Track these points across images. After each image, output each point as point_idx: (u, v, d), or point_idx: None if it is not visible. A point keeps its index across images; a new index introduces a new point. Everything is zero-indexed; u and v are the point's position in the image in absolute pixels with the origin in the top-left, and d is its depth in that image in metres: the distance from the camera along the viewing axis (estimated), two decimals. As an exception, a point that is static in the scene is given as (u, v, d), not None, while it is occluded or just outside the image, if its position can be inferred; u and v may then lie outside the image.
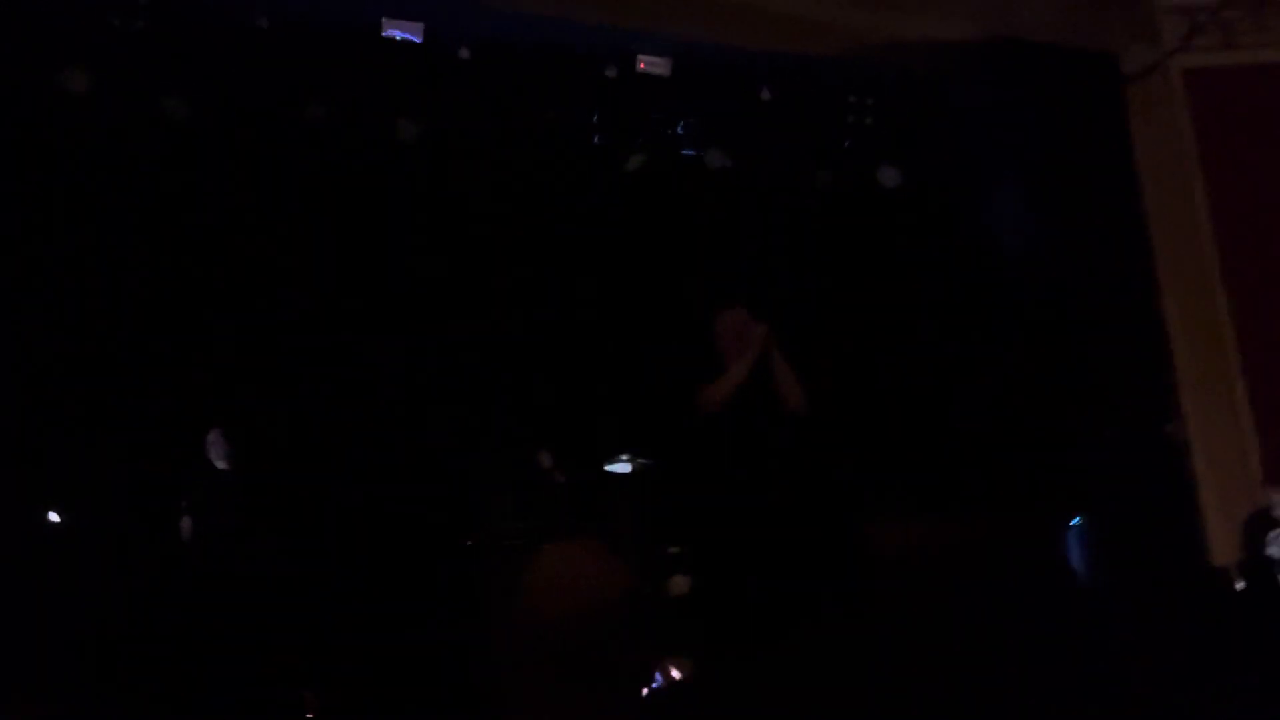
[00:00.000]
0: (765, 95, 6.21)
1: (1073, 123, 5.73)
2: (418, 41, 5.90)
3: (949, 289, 5.89)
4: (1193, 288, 6.03)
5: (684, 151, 6.30)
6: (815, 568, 4.13)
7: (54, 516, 4.62)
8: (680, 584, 4.36)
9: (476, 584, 4.85)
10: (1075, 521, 5.99)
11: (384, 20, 5.88)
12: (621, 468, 5.38)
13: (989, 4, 5.90)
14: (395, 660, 4.49)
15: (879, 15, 5.96)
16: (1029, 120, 5.90)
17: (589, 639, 1.64)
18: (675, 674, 1.89)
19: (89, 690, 3.83)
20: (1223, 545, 5.39)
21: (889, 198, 6.22)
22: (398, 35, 5.89)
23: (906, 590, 1.64)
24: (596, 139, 6.20)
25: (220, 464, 4.59)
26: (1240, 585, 4.19)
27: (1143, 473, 5.71)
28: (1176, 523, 5.72)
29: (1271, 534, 5.03)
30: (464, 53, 5.94)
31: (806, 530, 4.04)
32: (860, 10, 5.93)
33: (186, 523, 4.46)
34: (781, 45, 6.00)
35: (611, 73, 6.08)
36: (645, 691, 1.76)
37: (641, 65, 6.18)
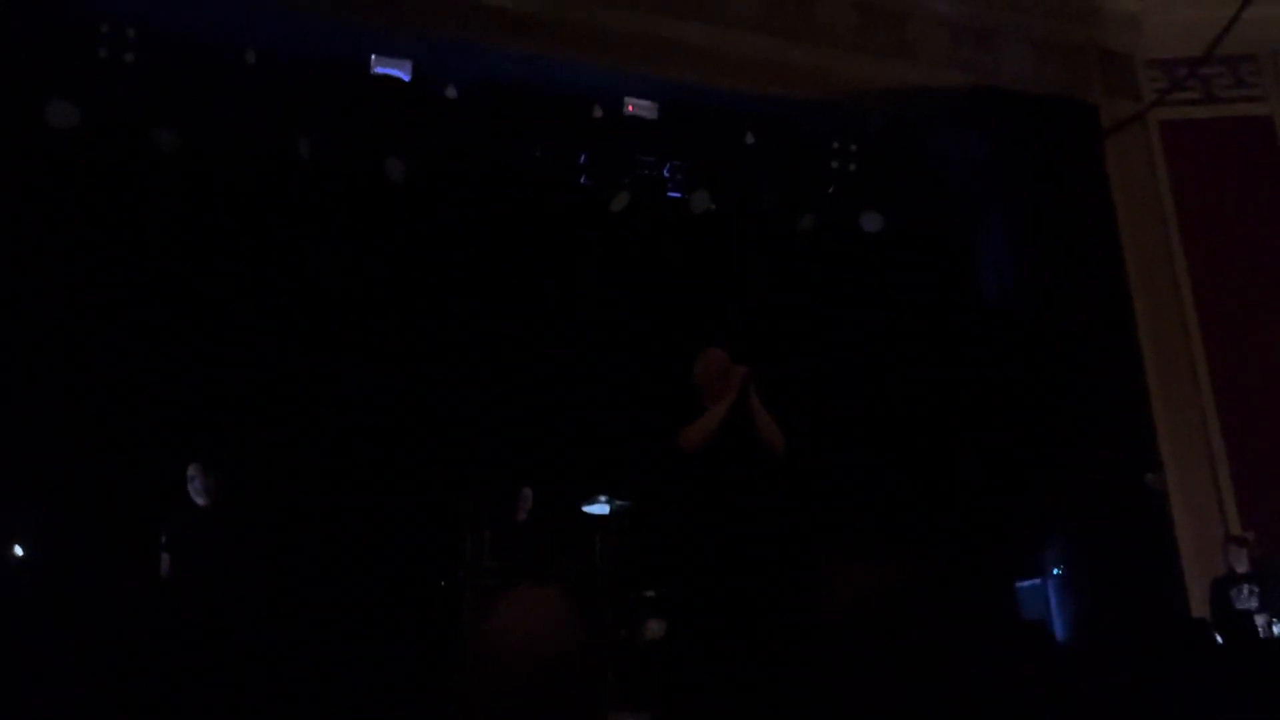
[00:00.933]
0: (750, 140, 6.28)
1: (1053, 171, 5.82)
2: (406, 79, 5.95)
3: (929, 333, 5.92)
4: (1169, 334, 6.10)
5: (670, 194, 6.34)
6: (790, 612, 4.11)
7: (19, 551, 4.56)
8: (655, 628, 4.32)
9: (450, 624, 4.81)
10: (1056, 570, 6.00)
11: (373, 57, 5.95)
12: (599, 509, 5.35)
13: (972, 54, 6.02)
14: (370, 696, 4.44)
15: (863, 63, 6.06)
16: (1010, 168, 5.98)
17: (539, 683, 1.63)
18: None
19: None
20: (1202, 595, 5.41)
21: (871, 242, 6.28)
22: (386, 73, 5.95)
23: (869, 635, 1.63)
24: (583, 179, 6.24)
25: (199, 500, 4.55)
26: (1218, 638, 4.20)
27: (1124, 521, 5.72)
28: (1157, 572, 5.73)
29: (1236, 589, 5.05)
30: (451, 91, 5.99)
31: (784, 574, 4.03)
32: (844, 58, 6.02)
33: (166, 559, 4.41)
34: (767, 90, 6.08)
35: (599, 114, 6.15)
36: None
37: (629, 108, 6.25)
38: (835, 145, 6.32)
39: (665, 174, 6.32)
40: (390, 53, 5.89)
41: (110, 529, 4.65)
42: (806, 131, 6.35)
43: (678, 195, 6.33)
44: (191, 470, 4.52)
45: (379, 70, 5.90)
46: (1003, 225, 6.00)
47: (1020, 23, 6.10)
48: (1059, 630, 5.64)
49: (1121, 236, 6.13)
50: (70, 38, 5.33)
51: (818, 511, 4.93)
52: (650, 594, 4.67)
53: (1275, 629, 4.95)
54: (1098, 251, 6.00)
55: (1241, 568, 5.21)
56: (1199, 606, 5.44)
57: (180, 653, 4.05)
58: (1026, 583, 5.85)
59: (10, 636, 4.23)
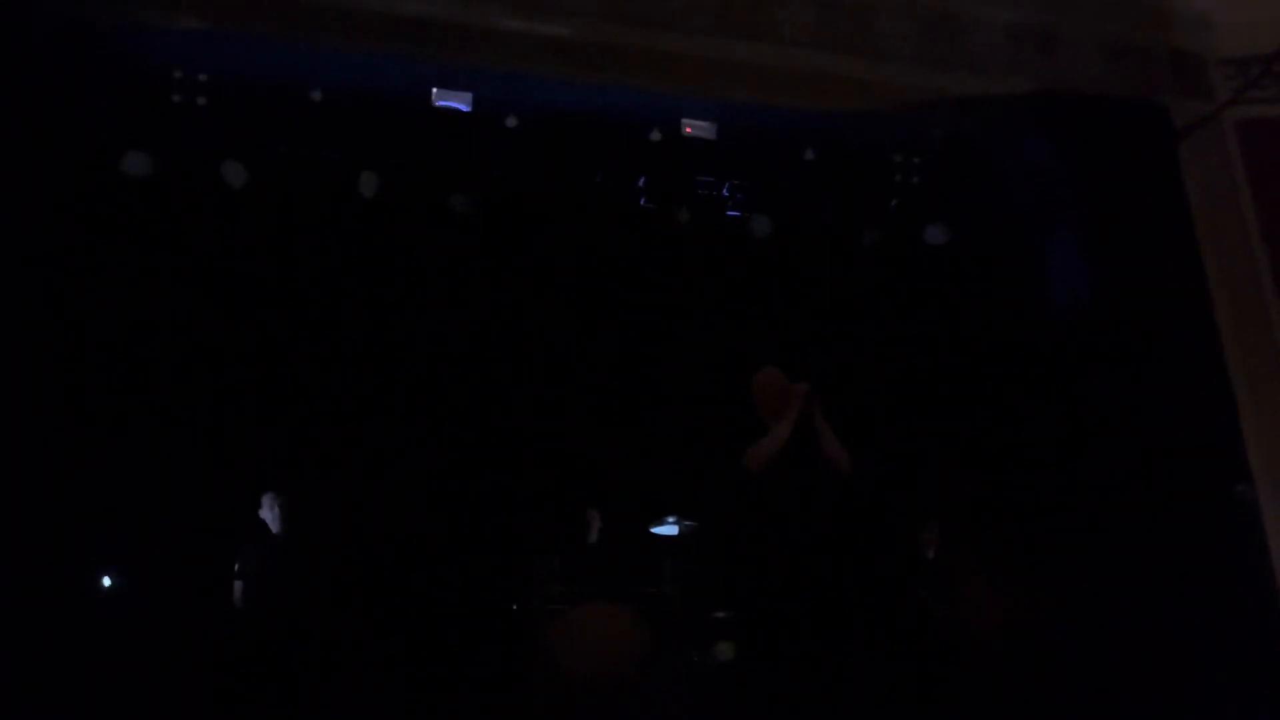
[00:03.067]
0: (810, 155, 6.23)
1: (1124, 177, 5.62)
2: (466, 110, 6.05)
3: (999, 350, 5.78)
4: (1254, 339, 5.85)
5: (729, 213, 6.33)
6: (865, 633, 4.03)
7: (107, 581, 4.70)
8: (725, 649, 4.28)
9: (521, 647, 4.82)
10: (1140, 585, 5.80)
11: (434, 91, 6.06)
12: (668, 530, 5.33)
13: (1036, 60, 5.86)
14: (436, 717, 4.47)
15: (923, 74, 5.96)
16: (1079, 175, 5.81)
17: (610, 706, 1.61)
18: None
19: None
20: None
21: (936, 257, 6.18)
22: (448, 105, 6.06)
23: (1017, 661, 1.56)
24: (643, 201, 6.27)
25: (273, 527, 4.65)
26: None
27: (1214, 534, 5.51)
28: (1250, 584, 5.50)
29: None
30: (512, 121, 6.07)
31: (854, 595, 3.96)
32: (903, 70, 5.94)
33: (238, 586, 4.51)
34: (825, 106, 6.03)
35: (657, 137, 6.17)
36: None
37: (687, 129, 6.26)
38: (897, 159, 6.24)
39: (724, 193, 6.31)
40: (451, 85, 6.00)
41: (186, 558, 4.78)
42: (867, 146, 6.29)
43: (737, 214, 6.32)
44: (265, 499, 4.63)
45: (441, 103, 6.01)
46: (1073, 234, 5.81)
47: (1085, 26, 5.94)
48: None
49: (1199, 241, 5.92)
50: (145, 85, 5.53)
51: (893, 532, 4.86)
52: (720, 615, 4.63)
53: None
54: (1175, 258, 5.79)
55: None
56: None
57: (253, 680, 4.13)
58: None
59: (101, 664, 4.36)
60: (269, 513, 4.68)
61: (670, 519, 5.42)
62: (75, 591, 4.58)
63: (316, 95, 5.78)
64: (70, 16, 4.99)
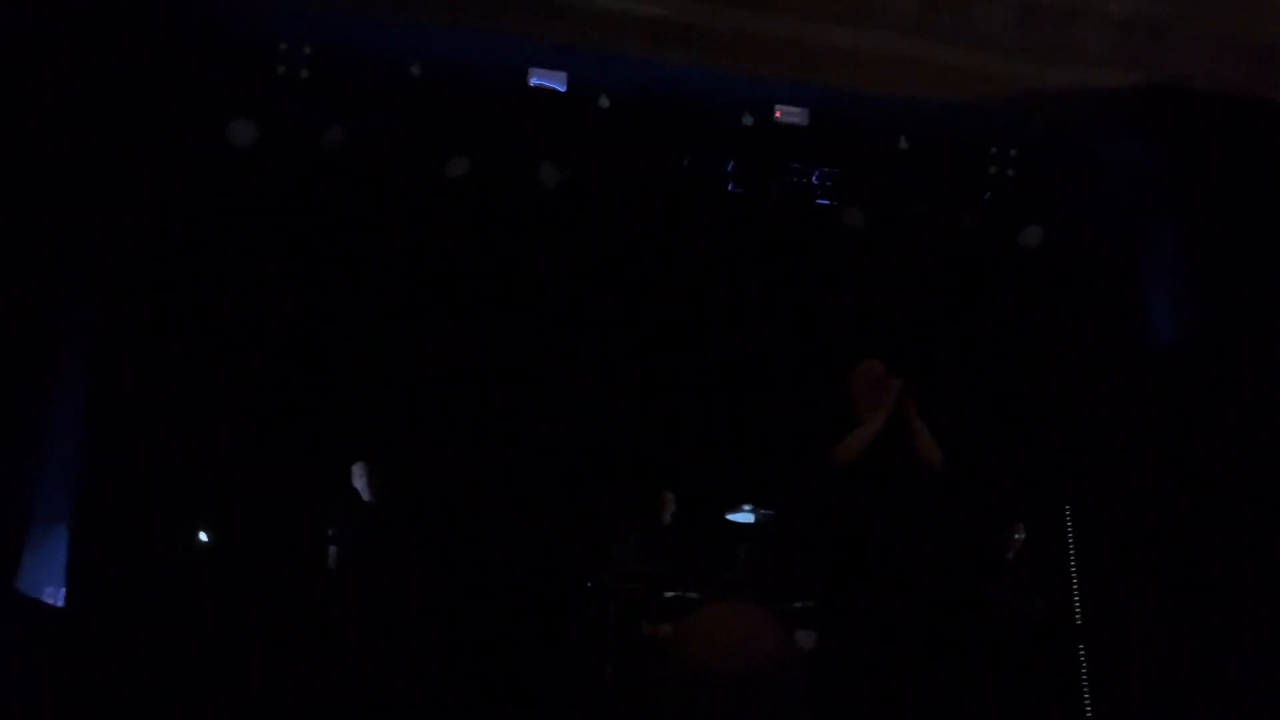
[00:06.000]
0: (904, 145, 6.14)
1: (1234, 183, 5.40)
2: (561, 90, 6.07)
3: (1095, 351, 5.66)
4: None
5: (819, 201, 6.27)
6: (947, 633, 4.02)
7: (203, 537, 4.86)
8: (803, 639, 4.29)
9: (594, 625, 4.89)
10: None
11: (530, 69, 6.09)
12: (744, 517, 5.35)
13: (1144, 53, 5.67)
14: (514, 690, 4.56)
15: (1024, 64, 5.83)
16: (1184, 178, 5.61)
17: (741, 705, 1.63)
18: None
19: (237, 712, 4.00)
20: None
21: (1030, 253, 6.05)
22: (542, 83, 6.08)
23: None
24: (731, 186, 6.24)
25: (365, 496, 4.78)
26: None
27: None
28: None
29: None
30: (604, 101, 6.07)
31: (938, 595, 3.94)
32: (1004, 59, 5.81)
33: (333, 551, 4.65)
34: (922, 95, 5.93)
35: (748, 121, 6.13)
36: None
37: (779, 114, 6.20)
38: (993, 151, 6.12)
39: (815, 181, 6.25)
40: (546, 64, 6.02)
41: (281, 522, 4.91)
42: (963, 137, 6.17)
43: (827, 203, 6.26)
44: (356, 468, 4.75)
45: (535, 81, 6.03)
46: (1174, 240, 5.62)
47: (1199, 17, 5.73)
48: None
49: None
50: (250, 57, 5.64)
51: (983, 532, 4.80)
52: (798, 605, 4.64)
53: None
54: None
55: None
56: None
57: (343, 645, 4.24)
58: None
59: (192, 621, 4.51)
60: (360, 481, 4.81)
61: (746, 507, 5.43)
62: (177, 547, 4.75)
63: (416, 70, 5.84)
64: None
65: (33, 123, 4.49)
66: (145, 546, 4.79)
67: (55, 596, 4.92)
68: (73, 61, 4.71)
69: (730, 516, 5.55)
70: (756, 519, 5.46)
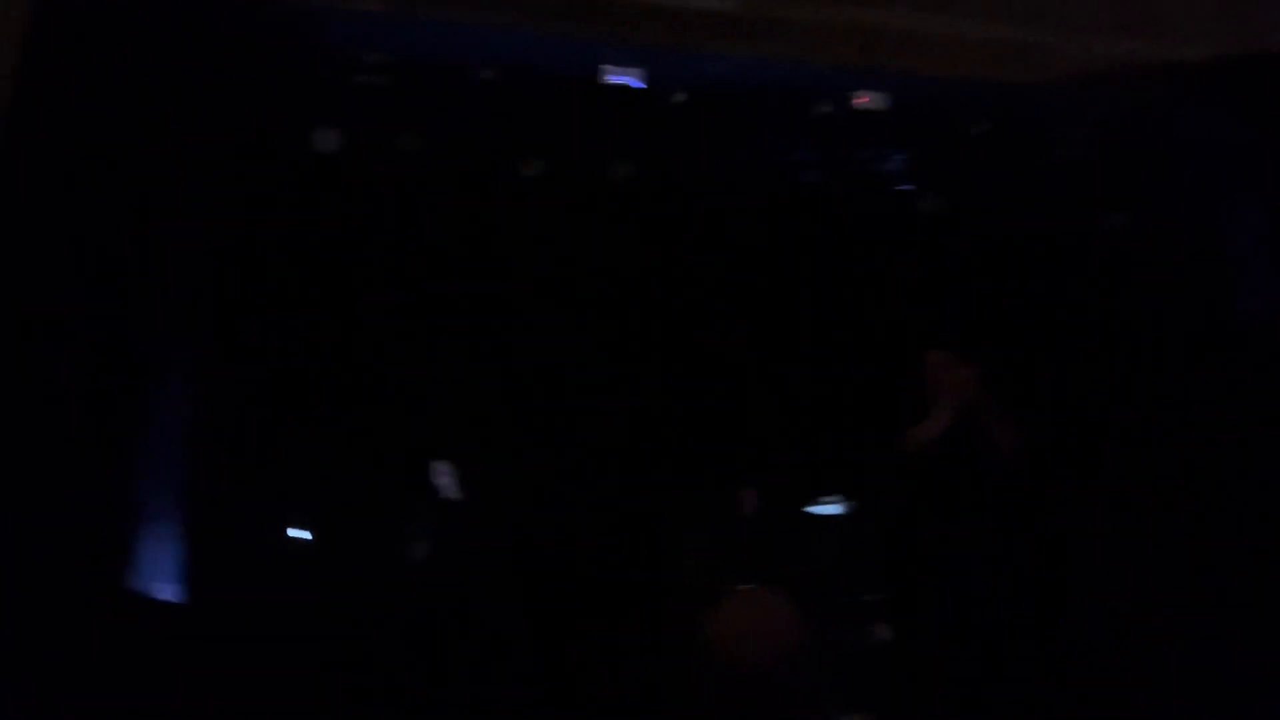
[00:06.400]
0: (980, 129, 6.01)
1: None
2: (636, 87, 6.11)
3: (1181, 334, 5.44)
4: None
5: (897, 188, 6.19)
6: (1025, 623, 3.94)
7: (296, 533, 5.06)
8: (881, 632, 4.27)
9: (678, 624, 4.90)
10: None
11: (604, 67, 6.14)
12: (824, 510, 5.32)
13: (1224, 20, 5.44)
14: (593, 686, 4.62)
15: (1103, 38, 5.64)
16: (1274, 149, 5.37)
17: (764, 690, 1.65)
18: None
19: (325, 707, 4.15)
20: None
21: (1112, 238, 5.86)
22: (617, 81, 6.14)
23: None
24: (807, 176, 6.20)
25: (446, 494, 4.93)
26: None
27: None
28: None
29: None
30: (680, 97, 6.10)
31: (1015, 584, 3.87)
32: (1083, 34, 5.63)
33: (415, 549, 4.81)
34: (998, 77, 5.79)
35: (824, 110, 6.08)
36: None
37: (856, 102, 6.14)
38: (1073, 132, 5.94)
39: (892, 168, 6.17)
40: (617, 62, 6.07)
41: (364, 520, 5.08)
42: (1041, 118, 6.01)
43: (906, 189, 6.17)
44: (437, 467, 4.89)
45: (610, 79, 6.09)
46: (1263, 215, 5.37)
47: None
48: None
49: None
50: (330, 67, 5.83)
51: (1062, 522, 4.69)
52: (876, 597, 4.60)
53: None
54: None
55: None
56: None
57: (424, 642, 4.37)
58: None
59: (290, 615, 4.71)
60: (442, 479, 4.96)
61: (827, 499, 5.40)
62: (273, 544, 4.96)
63: (488, 74, 5.96)
64: (262, 2, 5.32)
65: (128, 134, 4.71)
66: (246, 544, 5.00)
67: (168, 594, 5.18)
68: (168, 77, 4.94)
69: (809, 510, 5.52)
70: (835, 511, 5.42)
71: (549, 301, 5.97)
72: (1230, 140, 5.54)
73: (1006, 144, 5.93)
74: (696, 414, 5.85)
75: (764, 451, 5.74)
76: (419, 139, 5.91)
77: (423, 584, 4.75)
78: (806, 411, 5.85)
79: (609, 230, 6.16)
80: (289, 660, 4.31)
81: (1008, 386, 4.21)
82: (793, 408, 5.88)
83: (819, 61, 5.89)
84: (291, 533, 5.09)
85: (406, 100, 5.92)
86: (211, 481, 4.93)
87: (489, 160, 6.04)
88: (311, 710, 4.10)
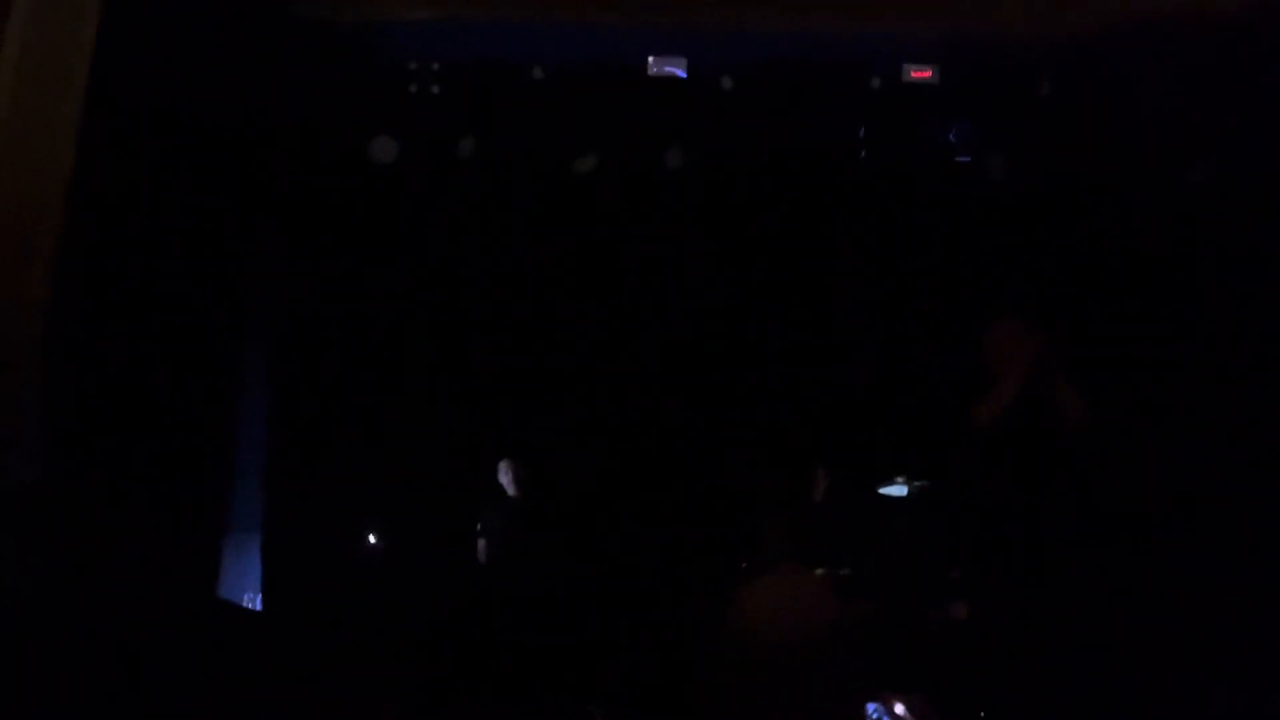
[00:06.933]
0: (1045, 89, 5.82)
1: None
2: (683, 76, 6.08)
3: (1263, 303, 5.16)
4: None
5: (958, 159, 6.04)
6: (1100, 593, 3.81)
7: (372, 539, 5.18)
8: (959, 609, 4.17)
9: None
10: None
11: (650, 59, 6.13)
12: (897, 490, 5.22)
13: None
14: (669, 675, 4.62)
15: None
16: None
17: (798, 669, 1.62)
18: (900, 709, 1.83)
19: (395, 698, 4.23)
20: None
21: (1194, 196, 5.60)
22: (664, 71, 6.12)
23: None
24: (863, 153, 6.10)
25: (509, 490, 4.99)
26: None
27: None
28: None
29: None
30: (727, 82, 6.05)
31: (1090, 554, 3.75)
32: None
33: (482, 544, 4.88)
34: (1060, 30, 5.58)
35: (876, 84, 5.96)
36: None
37: (910, 74, 6.01)
38: (1145, 86, 5.70)
39: (952, 138, 6.02)
40: (665, 51, 6.04)
41: (433, 520, 5.17)
42: (1110, 71, 5.78)
43: (967, 159, 6.02)
44: (501, 465, 4.95)
45: (656, 70, 6.08)
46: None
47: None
48: None
49: None
50: (384, 78, 5.94)
51: (1135, 491, 4.52)
52: (952, 574, 4.50)
53: None
54: None
55: None
56: None
57: (494, 637, 4.42)
58: None
59: (368, 620, 4.81)
60: (505, 477, 5.02)
61: (899, 479, 5.30)
62: (348, 549, 5.08)
63: (538, 73, 6.00)
64: (315, 17, 5.44)
65: (195, 148, 4.87)
66: (328, 550, 5.14)
67: (253, 601, 5.35)
68: (230, 96, 5.08)
69: (882, 490, 5.43)
70: (910, 491, 5.32)
71: (612, 293, 5.99)
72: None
73: (1069, 104, 5.73)
74: (766, 397, 5.81)
75: (835, 433, 5.67)
76: (473, 143, 5.98)
77: (496, 579, 4.82)
78: (875, 390, 5.76)
79: (666, 219, 6.16)
80: (364, 661, 4.41)
81: (1075, 356, 4.07)
82: (861, 387, 5.80)
83: (867, 33, 5.78)
84: (368, 538, 5.22)
85: (459, 106, 6.00)
86: (289, 490, 5.07)
87: (543, 159, 6.09)
88: (385, 710, 4.18)
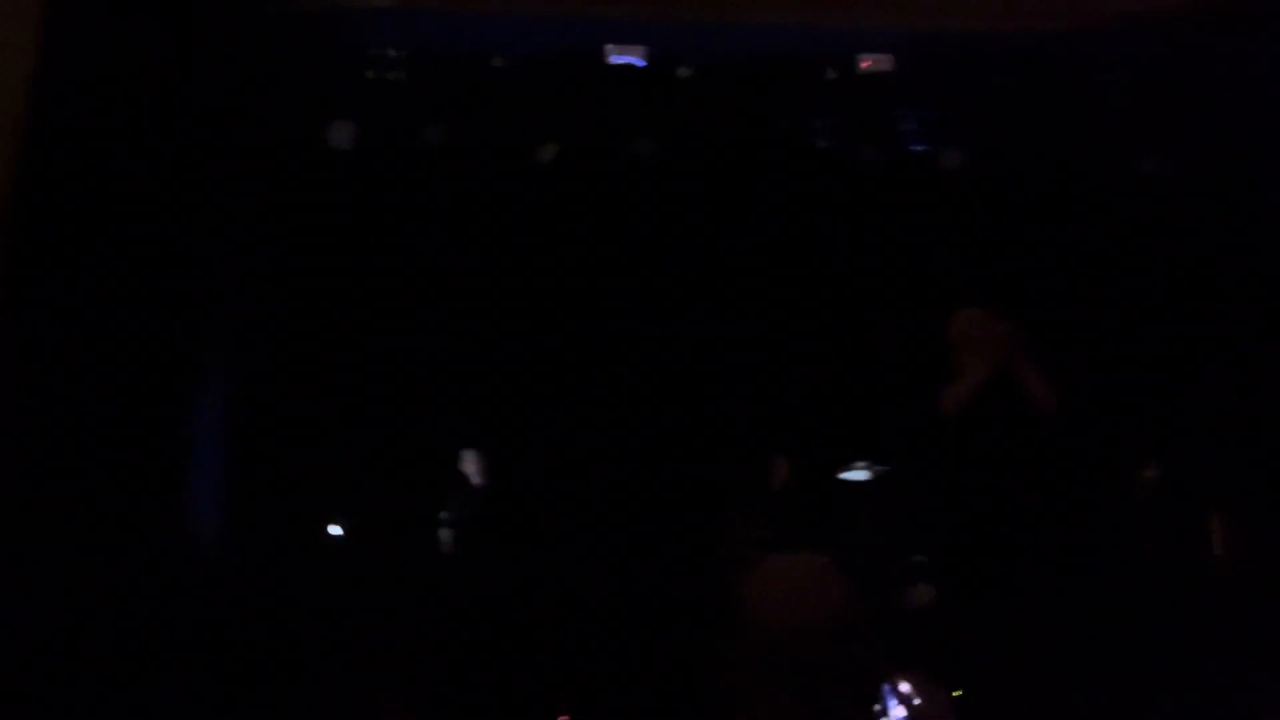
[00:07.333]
0: (1001, 80, 5.91)
1: None
2: (641, 65, 6.07)
3: (1221, 288, 5.31)
4: None
5: (914, 147, 6.11)
6: (1068, 576, 3.90)
7: (334, 530, 5.10)
8: (924, 593, 4.24)
9: (716, 594, 4.89)
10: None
11: (608, 47, 6.11)
12: (859, 475, 5.28)
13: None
14: (638, 669, 4.62)
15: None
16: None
17: (813, 654, 1.62)
18: (905, 688, 1.85)
19: (352, 690, 4.19)
20: None
21: (1150, 184, 5.74)
22: (621, 61, 6.10)
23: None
24: (821, 143, 6.14)
25: (475, 480, 4.94)
26: None
27: None
28: None
29: None
30: (684, 71, 6.05)
31: (1057, 539, 3.83)
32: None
33: (445, 534, 4.84)
34: (1017, 25, 5.67)
35: (832, 75, 6.01)
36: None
37: (864, 64, 6.06)
38: (1102, 79, 5.82)
39: (909, 128, 6.09)
40: (621, 40, 6.03)
41: (397, 510, 5.11)
42: (1064, 64, 5.89)
43: (924, 149, 6.09)
44: (466, 454, 4.91)
45: (614, 59, 6.06)
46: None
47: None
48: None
49: None
50: (345, 64, 5.83)
51: (1101, 475, 4.63)
52: (918, 560, 4.57)
53: None
54: None
55: None
56: None
57: (460, 627, 4.38)
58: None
59: (325, 609, 4.74)
60: (470, 466, 4.98)
61: (860, 464, 5.36)
62: (312, 539, 5.00)
63: (498, 62, 5.95)
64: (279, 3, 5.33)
65: (142, 136, 4.73)
66: (290, 546, 5.05)
67: (208, 588, 5.22)
68: (183, 77, 4.95)
69: (844, 476, 5.49)
70: (871, 476, 5.39)
71: (573, 281, 5.95)
72: (1266, 76, 5.39)
73: (1027, 94, 5.82)
74: (727, 386, 5.82)
75: (796, 421, 5.70)
76: (433, 132, 5.91)
77: (460, 571, 4.77)
78: (839, 378, 5.80)
79: (626, 207, 6.14)
80: (324, 653, 4.35)
81: (1043, 342, 4.14)
82: (825, 375, 5.83)
83: (825, 24, 5.81)
84: (328, 528, 5.13)
85: (418, 94, 5.92)
86: (247, 479, 4.96)
87: (504, 148, 6.03)
88: (347, 701, 4.14)
